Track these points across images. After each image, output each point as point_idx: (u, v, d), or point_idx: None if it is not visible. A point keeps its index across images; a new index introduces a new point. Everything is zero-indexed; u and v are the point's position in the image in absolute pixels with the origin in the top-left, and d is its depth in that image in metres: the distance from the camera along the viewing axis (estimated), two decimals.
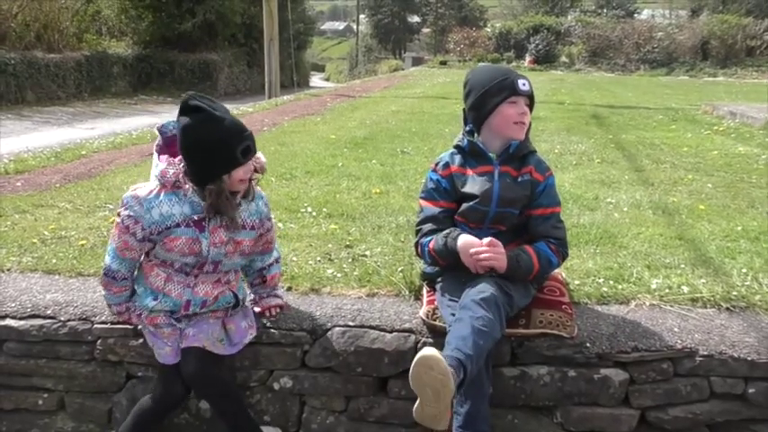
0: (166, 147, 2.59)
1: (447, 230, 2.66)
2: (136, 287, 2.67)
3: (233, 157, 2.39)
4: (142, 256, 2.63)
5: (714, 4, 37.46)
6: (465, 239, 2.58)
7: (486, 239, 2.56)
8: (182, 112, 2.41)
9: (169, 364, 2.62)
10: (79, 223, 4.08)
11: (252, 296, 2.92)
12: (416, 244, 2.80)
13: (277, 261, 2.92)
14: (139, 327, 2.74)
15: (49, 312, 2.93)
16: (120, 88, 23.22)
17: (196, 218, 2.49)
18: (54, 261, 3.41)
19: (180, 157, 2.48)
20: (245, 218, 2.59)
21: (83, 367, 2.93)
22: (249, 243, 2.64)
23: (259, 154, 2.55)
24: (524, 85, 2.66)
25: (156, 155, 2.58)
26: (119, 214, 2.52)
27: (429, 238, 2.70)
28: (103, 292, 2.69)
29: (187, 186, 2.48)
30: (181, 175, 2.47)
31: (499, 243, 2.56)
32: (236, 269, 2.74)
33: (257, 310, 2.86)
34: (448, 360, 2.23)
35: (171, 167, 2.48)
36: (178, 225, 2.47)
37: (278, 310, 2.88)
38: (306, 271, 3.28)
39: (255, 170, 2.55)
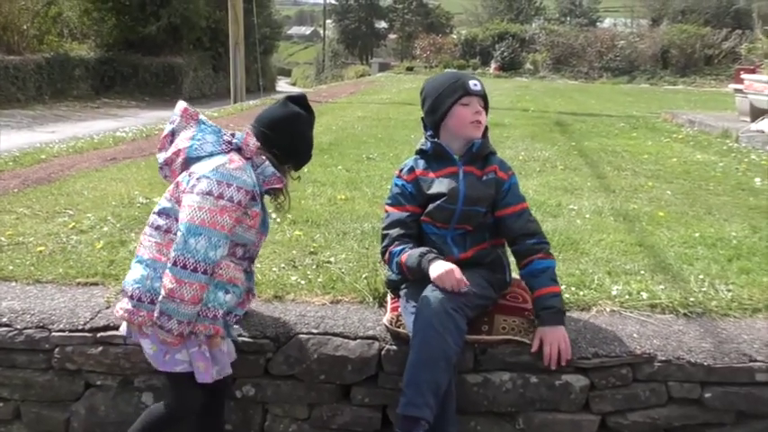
0: None
1: (423, 250, 2.62)
2: None
3: (304, 161, 2.71)
4: None
5: (674, 14, 38.18)
6: (438, 269, 2.53)
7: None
8: (295, 101, 2.60)
9: (205, 381, 2.46)
10: (37, 229, 4.00)
11: None
12: (384, 251, 2.77)
13: None
14: (200, 337, 2.42)
15: (4, 320, 2.86)
16: (83, 91, 22.90)
17: (262, 191, 2.53)
18: (11, 268, 3.34)
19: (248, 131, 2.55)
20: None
21: (39, 376, 2.87)
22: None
23: None
24: (476, 85, 2.72)
25: (213, 125, 2.55)
26: (221, 196, 2.31)
27: (401, 248, 2.69)
28: (195, 309, 2.33)
29: (263, 158, 2.51)
30: (257, 148, 2.51)
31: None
32: None
33: None
34: (401, 423, 2.36)
35: (251, 138, 2.50)
36: (258, 198, 2.47)
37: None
38: (269, 278, 3.26)
39: None
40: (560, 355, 2.60)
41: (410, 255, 2.64)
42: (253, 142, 2.48)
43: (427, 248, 2.64)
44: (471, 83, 2.72)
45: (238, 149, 2.46)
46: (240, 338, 2.77)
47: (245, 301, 2.62)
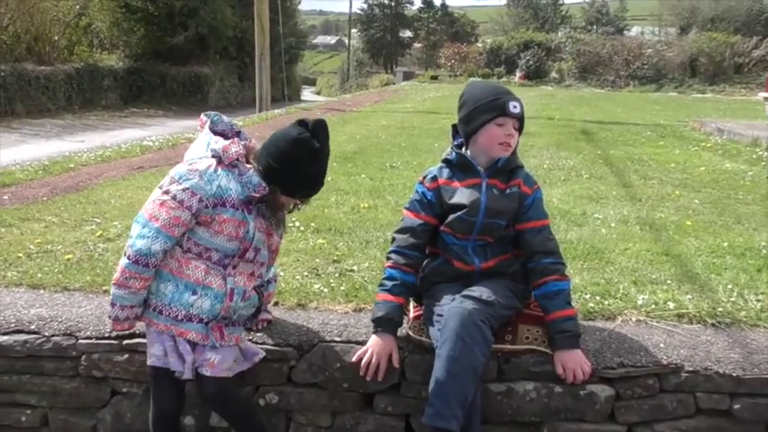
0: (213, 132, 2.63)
1: (382, 314, 2.64)
2: (166, 285, 2.50)
3: (297, 190, 2.55)
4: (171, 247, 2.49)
5: (702, 21, 37.81)
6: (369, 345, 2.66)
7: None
8: (304, 126, 2.47)
9: (178, 371, 2.52)
10: (66, 237, 4.06)
11: None
12: (388, 257, 2.79)
13: (275, 279, 2.95)
14: (155, 331, 2.53)
15: (33, 327, 2.90)
16: (111, 101, 23.22)
17: (247, 199, 2.50)
18: (39, 275, 3.39)
19: (237, 139, 2.55)
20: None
21: (67, 383, 2.90)
22: (277, 241, 2.72)
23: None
24: (515, 107, 2.66)
25: (209, 133, 2.58)
26: (167, 192, 2.42)
27: (389, 276, 2.71)
28: (119, 292, 2.46)
29: (248, 166, 2.49)
30: (241, 156, 2.49)
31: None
32: (266, 265, 2.71)
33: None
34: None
35: (234, 145, 2.49)
36: (233, 205, 2.46)
37: (265, 324, 2.87)
38: (293, 286, 3.27)
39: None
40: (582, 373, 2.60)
41: (376, 305, 2.69)
42: (234, 150, 2.47)
43: (386, 312, 2.64)
44: (511, 104, 2.65)
45: (219, 156, 2.48)
46: (263, 346, 2.78)
47: (227, 298, 2.52)
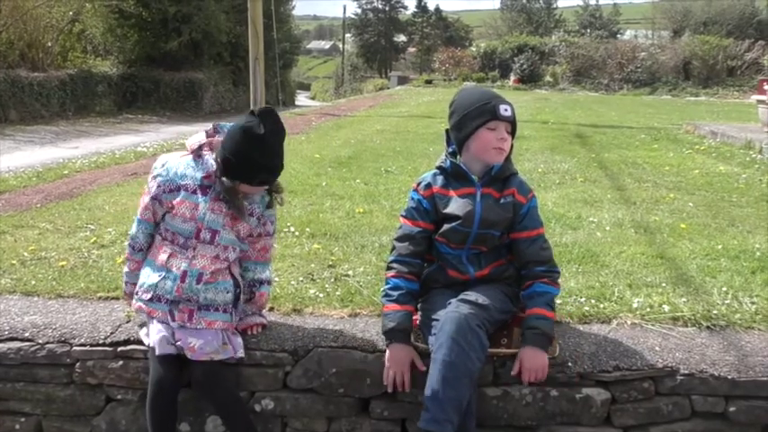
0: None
1: (392, 324, 2.63)
2: (146, 269, 2.73)
3: (252, 177, 2.57)
4: (154, 228, 2.74)
5: (695, 25, 38.00)
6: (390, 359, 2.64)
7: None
8: (254, 114, 2.53)
9: (162, 352, 2.61)
10: (59, 244, 4.05)
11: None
12: (388, 266, 2.78)
13: (269, 282, 2.94)
14: (135, 308, 2.76)
15: (26, 335, 2.89)
16: (105, 107, 23.11)
17: (203, 183, 2.61)
18: (33, 283, 3.37)
19: (204, 132, 2.69)
20: (247, 204, 2.71)
21: (61, 390, 2.89)
22: (246, 227, 2.74)
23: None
24: (506, 110, 2.65)
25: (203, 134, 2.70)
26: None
27: (394, 286, 2.69)
28: (124, 269, 2.85)
29: (205, 154, 2.64)
30: (204, 145, 2.64)
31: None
32: (235, 249, 2.72)
33: (239, 327, 2.83)
34: None
35: (197, 136, 2.67)
36: (186, 189, 2.60)
37: (260, 329, 2.86)
38: (288, 291, 3.26)
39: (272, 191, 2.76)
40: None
41: (386, 316, 2.66)
42: (195, 140, 2.65)
43: (398, 322, 2.62)
44: (502, 108, 2.64)
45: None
46: (258, 352, 2.77)
47: (179, 280, 2.61)
